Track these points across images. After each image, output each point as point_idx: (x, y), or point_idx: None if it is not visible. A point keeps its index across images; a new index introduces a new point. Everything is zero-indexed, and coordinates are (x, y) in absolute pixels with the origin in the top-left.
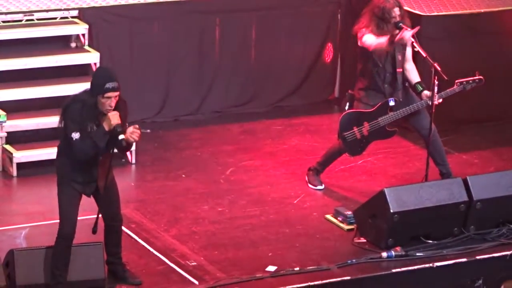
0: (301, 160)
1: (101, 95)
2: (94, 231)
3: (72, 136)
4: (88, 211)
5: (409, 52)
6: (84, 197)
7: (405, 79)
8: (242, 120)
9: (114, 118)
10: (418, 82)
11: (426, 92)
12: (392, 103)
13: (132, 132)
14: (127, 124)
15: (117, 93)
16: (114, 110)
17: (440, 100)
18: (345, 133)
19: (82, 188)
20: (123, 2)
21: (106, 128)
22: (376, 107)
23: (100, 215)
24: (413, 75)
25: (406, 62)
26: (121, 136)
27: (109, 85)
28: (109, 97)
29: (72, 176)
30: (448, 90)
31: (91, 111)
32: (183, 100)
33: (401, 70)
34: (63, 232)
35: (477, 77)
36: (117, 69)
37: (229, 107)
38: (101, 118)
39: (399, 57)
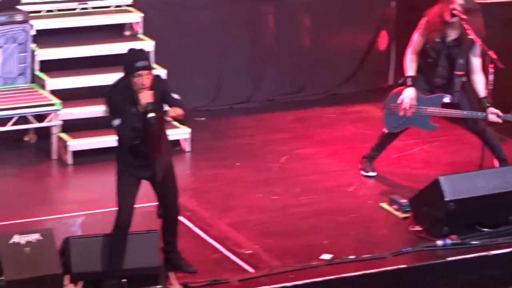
0: (355, 148)
1: (132, 75)
2: (159, 215)
3: (113, 123)
4: (144, 199)
5: (477, 62)
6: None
7: (465, 78)
8: (295, 108)
9: (145, 97)
10: (483, 97)
11: (492, 109)
12: (447, 99)
13: (144, 94)
14: (176, 96)
15: (147, 71)
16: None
17: (499, 120)
18: (391, 104)
19: (139, 172)
20: None
21: (140, 109)
22: (430, 95)
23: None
24: (479, 87)
25: (474, 73)
26: (150, 114)
27: (139, 64)
28: (140, 76)
29: (127, 162)
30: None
31: (127, 94)
32: (237, 88)
33: (461, 73)
34: (120, 220)
35: None
36: (170, 58)
37: (282, 95)
38: (137, 100)
39: (460, 61)
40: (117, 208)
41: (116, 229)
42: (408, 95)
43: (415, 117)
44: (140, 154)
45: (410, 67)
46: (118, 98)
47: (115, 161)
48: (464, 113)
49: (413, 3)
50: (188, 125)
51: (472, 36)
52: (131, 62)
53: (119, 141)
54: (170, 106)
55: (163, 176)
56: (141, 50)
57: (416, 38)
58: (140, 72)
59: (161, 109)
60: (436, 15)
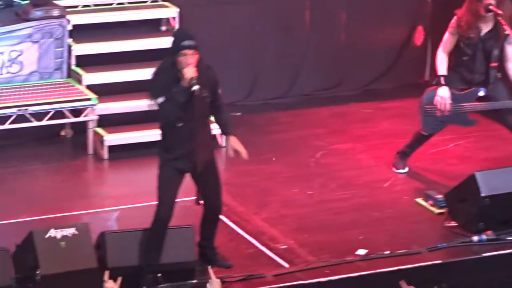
0: (391, 144)
1: (178, 54)
2: (198, 202)
3: (157, 102)
4: (182, 194)
5: (510, 50)
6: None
7: (501, 72)
8: (331, 104)
9: (189, 71)
10: None
11: None
12: (481, 93)
13: (189, 69)
14: (219, 91)
15: (193, 51)
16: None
17: None
18: (427, 106)
19: (180, 163)
20: None
21: (184, 84)
22: (464, 91)
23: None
24: None
25: (509, 61)
26: (195, 87)
27: (185, 43)
28: (185, 55)
29: (169, 154)
30: None
31: (171, 74)
32: (272, 83)
33: (496, 64)
34: (160, 215)
35: None
36: (206, 52)
37: (318, 90)
38: (181, 79)
39: (495, 52)
40: (157, 203)
41: (156, 224)
42: (443, 95)
43: (452, 115)
44: (182, 139)
45: (442, 66)
46: (163, 76)
47: (158, 154)
48: (501, 103)
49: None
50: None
51: (507, 28)
52: (177, 41)
53: (162, 122)
54: (214, 101)
55: (205, 172)
56: (188, 31)
57: (447, 37)
58: (185, 51)
59: (208, 95)
60: (468, 11)
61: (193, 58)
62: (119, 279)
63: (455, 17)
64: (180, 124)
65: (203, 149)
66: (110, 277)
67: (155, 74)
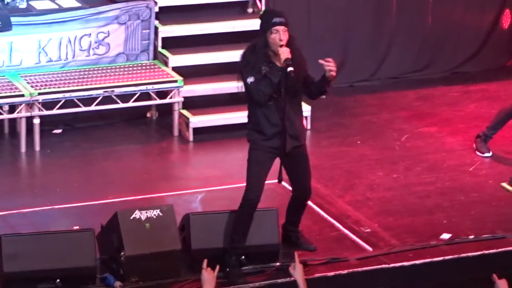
0: (477, 128)
1: (269, 31)
2: (279, 179)
3: (247, 81)
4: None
5: None
6: None
7: None
8: (418, 86)
9: (284, 53)
10: None
11: None
12: None
13: (284, 49)
14: (308, 73)
15: (284, 27)
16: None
17: None
18: None
19: (272, 143)
20: None
21: (279, 65)
22: None
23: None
24: None
25: None
26: (289, 68)
27: (275, 19)
28: (277, 31)
29: (260, 135)
30: None
31: (262, 52)
32: (359, 65)
33: None
34: (248, 199)
35: None
36: (294, 34)
37: (405, 73)
38: (273, 58)
39: None
40: (246, 186)
41: (243, 207)
42: None
43: None
44: (274, 118)
45: None
46: (254, 56)
47: (247, 136)
48: None
49: None
50: (309, 103)
51: None
52: (268, 18)
53: (254, 101)
54: (306, 81)
55: (295, 156)
56: (277, 10)
57: None
58: (277, 28)
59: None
60: None
61: (285, 35)
62: (217, 267)
63: None
64: (271, 103)
65: (294, 129)
66: (196, 260)
67: (246, 51)
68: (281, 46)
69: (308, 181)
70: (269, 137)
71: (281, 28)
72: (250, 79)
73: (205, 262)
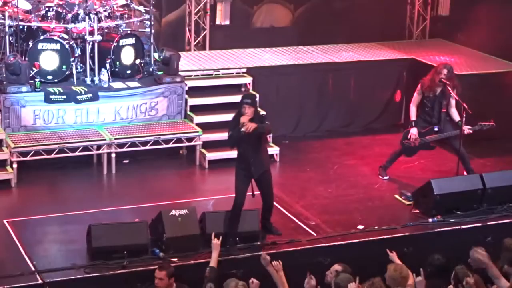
0: (380, 161)
1: (242, 106)
2: (253, 195)
3: (228, 133)
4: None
5: (453, 102)
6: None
7: (448, 116)
8: (345, 136)
9: (243, 118)
10: (459, 120)
11: (465, 126)
12: (436, 129)
13: (246, 124)
14: (267, 123)
15: (249, 106)
16: (251, 118)
17: (470, 131)
18: (405, 141)
19: (245, 171)
20: (277, 63)
21: (240, 126)
22: (426, 129)
23: (256, 190)
24: (455, 116)
25: (451, 107)
26: (242, 128)
27: (244, 100)
28: (244, 107)
29: (239, 164)
30: (472, 127)
31: (238, 117)
32: (308, 123)
33: (445, 110)
34: (237, 202)
35: (491, 123)
36: (269, 103)
37: (337, 127)
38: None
39: (444, 102)
40: (235, 194)
41: (234, 207)
42: (413, 132)
43: (421, 145)
44: (245, 157)
45: (413, 114)
46: (235, 119)
47: (235, 165)
48: (447, 133)
49: None
50: (278, 145)
51: (450, 90)
52: (241, 99)
53: (230, 145)
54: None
55: (262, 178)
56: (250, 94)
57: (415, 96)
58: (244, 105)
59: (259, 132)
60: (428, 80)
61: (249, 110)
62: (220, 238)
63: (419, 84)
64: (241, 149)
65: (259, 161)
66: (209, 240)
67: (233, 117)
68: (244, 115)
69: (271, 194)
70: (244, 167)
71: (247, 106)
72: (230, 133)
73: (213, 234)
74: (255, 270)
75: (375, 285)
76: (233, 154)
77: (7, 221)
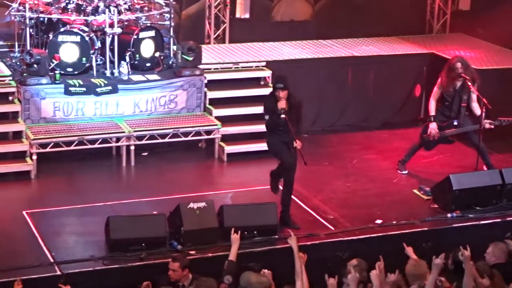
0: (399, 155)
1: (276, 90)
2: (305, 163)
3: (265, 117)
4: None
5: (474, 96)
6: None
7: (468, 111)
8: (363, 130)
9: (281, 104)
10: (480, 115)
11: (485, 120)
12: (455, 123)
13: (281, 103)
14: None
15: (283, 90)
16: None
17: (492, 126)
18: (424, 135)
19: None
20: (297, 57)
21: (278, 111)
22: (445, 123)
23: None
24: (476, 110)
25: (472, 101)
26: (282, 116)
27: (278, 85)
28: (279, 91)
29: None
30: (493, 121)
31: (273, 101)
32: (327, 117)
33: (465, 104)
34: (286, 162)
35: (511, 119)
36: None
37: (356, 122)
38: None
39: (465, 97)
40: (281, 156)
41: (285, 169)
42: (433, 127)
43: (440, 138)
44: (281, 137)
45: (432, 109)
46: (269, 104)
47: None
48: (467, 127)
49: None
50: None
51: (470, 85)
52: (274, 84)
53: (269, 127)
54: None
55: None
56: (281, 77)
57: (435, 90)
58: (278, 90)
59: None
60: (447, 75)
61: (283, 94)
62: (239, 233)
63: (439, 79)
64: (280, 128)
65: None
66: (227, 233)
67: (266, 99)
68: (280, 100)
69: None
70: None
71: (281, 90)
72: (267, 116)
73: (232, 229)
74: (272, 264)
75: (360, 265)
76: (251, 147)
77: (26, 212)
